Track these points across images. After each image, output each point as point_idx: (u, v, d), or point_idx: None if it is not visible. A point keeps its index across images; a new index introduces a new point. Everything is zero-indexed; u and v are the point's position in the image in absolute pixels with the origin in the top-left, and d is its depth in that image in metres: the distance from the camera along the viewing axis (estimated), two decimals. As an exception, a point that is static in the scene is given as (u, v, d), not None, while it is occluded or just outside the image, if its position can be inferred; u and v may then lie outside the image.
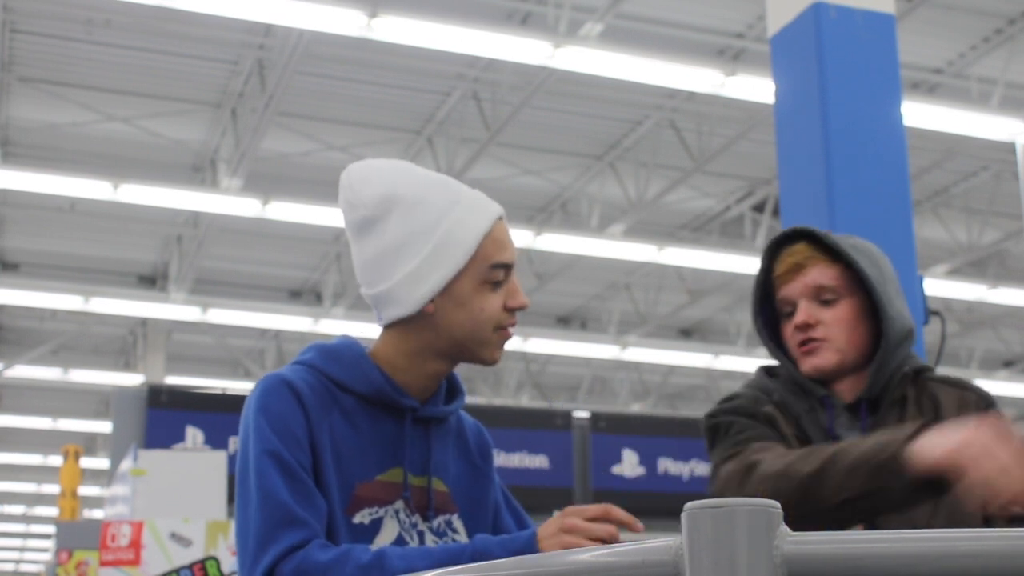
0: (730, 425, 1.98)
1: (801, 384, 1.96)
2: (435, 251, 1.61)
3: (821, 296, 1.93)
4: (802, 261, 1.93)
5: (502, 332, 1.66)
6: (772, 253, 1.98)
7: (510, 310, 1.65)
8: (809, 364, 1.93)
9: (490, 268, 1.62)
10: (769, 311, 2.02)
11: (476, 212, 1.63)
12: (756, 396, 2.00)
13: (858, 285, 1.93)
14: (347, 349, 1.67)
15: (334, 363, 1.66)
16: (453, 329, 1.63)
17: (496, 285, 1.64)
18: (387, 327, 1.68)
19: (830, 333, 1.92)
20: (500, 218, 1.66)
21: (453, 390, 1.76)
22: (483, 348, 1.65)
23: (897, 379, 1.95)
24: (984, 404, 1.96)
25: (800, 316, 1.92)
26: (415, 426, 1.67)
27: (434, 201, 1.63)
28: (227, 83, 9.27)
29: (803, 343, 1.93)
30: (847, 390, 1.96)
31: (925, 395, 1.96)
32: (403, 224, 1.63)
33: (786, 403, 1.96)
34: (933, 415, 1.94)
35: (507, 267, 1.65)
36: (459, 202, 1.64)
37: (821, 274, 1.92)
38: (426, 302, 1.62)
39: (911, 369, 1.97)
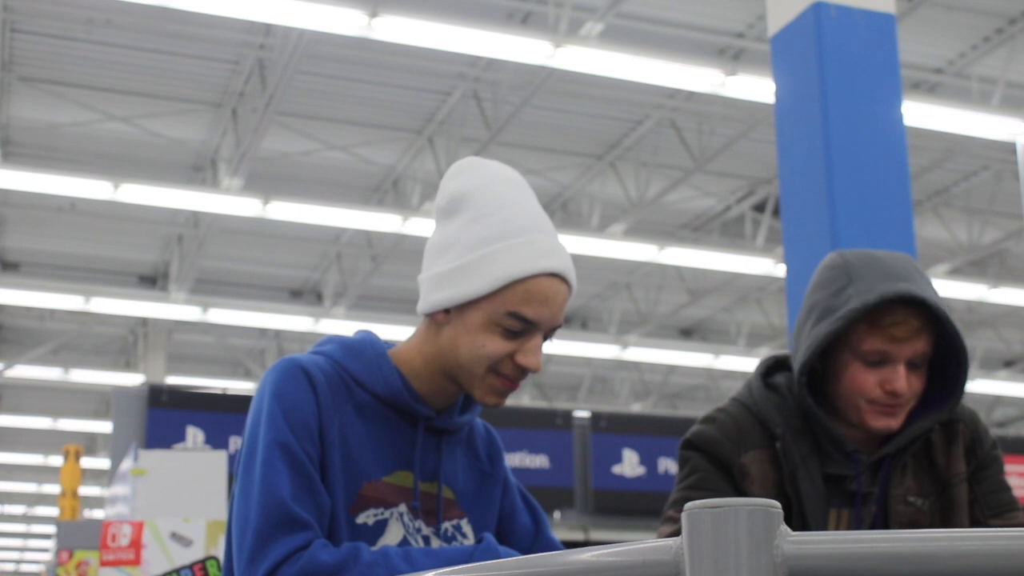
0: (694, 470, 1.90)
1: (827, 430, 1.88)
2: (464, 268, 1.58)
3: (917, 362, 1.86)
4: (921, 328, 1.84)
5: (498, 378, 1.59)
6: (873, 309, 1.83)
7: (516, 365, 1.58)
8: (883, 424, 1.86)
9: (506, 314, 1.56)
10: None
11: (522, 255, 1.56)
12: (744, 429, 1.90)
13: (955, 353, 1.87)
14: (369, 347, 1.65)
15: (354, 359, 1.63)
16: (454, 349, 1.60)
17: (510, 333, 1.57)
18: (422, 326, 1.67)
19: (911, 399, 1.87)
20: (551, 275, 1.57)
21: (469, 400, 1.73)
22: (473, 383, 1.60)
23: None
24: (970, 431, 1.95)
25: (900, 383, 1.83)
26: (427, 434, 1.65)
27: (494, 223, 1.58)
28: (227, 83, 9.27)
29: (887, 405, 1.86)
30: (864, 441, 1.92)
31: (919, 438, 1.94)
32: (461, 228, 1.60)
33: (788, 448, 1.88)
34: (927, 458, 1.94)
35: (527, 322, 1.56)
36: (515, 236, 1.57)
37: (929, 343, 1.85)
38: (438, 309, 1.60)
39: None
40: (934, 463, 1.93)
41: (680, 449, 1.94)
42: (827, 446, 1.89)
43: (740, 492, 1.87)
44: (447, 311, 1.60)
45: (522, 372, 1.59)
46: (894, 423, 1.86)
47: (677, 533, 1.87)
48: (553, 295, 1.57)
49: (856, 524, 1.89)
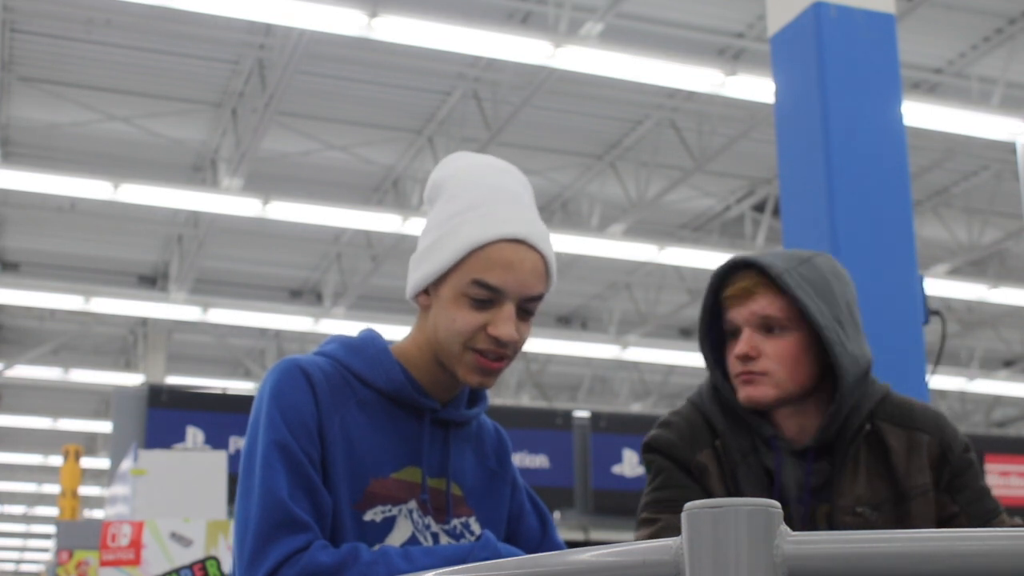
0: (659, 471, 1.92)
1: (745, 419, 1.90)
2: (432, 245, 1.61)
3: (766, 326, 1.86)
4: (751, 287, 1.86)
5: (475, 355, 1.57)
6: (721, 279, 1.91)
7: (490, 337, 1.57)
8: (744, 394, 1.87)
9: (471, 283, 1.56)
10: (716, 334, 1.96)
11: (481, 224, 1.57)
12: (696, 429, 1.92)
13: (807, 318, 1.85)
14: (370, 344, 1.65)
15: (356, 356, 1.63)
16: (435, 329, 1.61)
17: (479, 303, 1.56)
18: (416, 321, 1.68)
19: (770, 366, 1.85)
20: (514, 241, 1.57)
21: (476, 395, 1.73)
22: (453, 363, 1.59)
23: (854, 426, 1.87)
24: (937, 440, 1.89)
25: (741, 347, 1.86)
26: (434, 427, 1.65)
27: (461, 199, 1.61)
28: (227, 83, 9.27)
29: (742, 373, 1.87)
30: (793, 429, 1.89)
31: (876, 441, 1.89)
32: (436, 212, 1.64)
33: (728, 445, 1.89)
34: (884, 463, 1.88)
35: (490, 289, 1.56)
36: (478, 208, 1.59)
37: (769, 304, 1.85)
38: (416, 290, 1.63)
39: (868, 412, 1.89)
40: (892, 470, 1.87)
41: (642, 453, 1.98)
42: (756, 438, 1.90)
43: (704, 489, 1.88)
44: (427, 292, 1.62)
45: (499, 345, 1.57)
46: (753, 391, 1.86)
47: (657, 533, 1.87)
48: (518, 261, 1.56)
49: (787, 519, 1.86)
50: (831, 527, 1.84)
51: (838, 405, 1.84)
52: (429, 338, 1.62)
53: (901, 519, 1.86)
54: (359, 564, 1.47)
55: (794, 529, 1.80)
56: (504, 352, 1.58)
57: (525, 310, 1.59)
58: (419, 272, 1.62)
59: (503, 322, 1.56)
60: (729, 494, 1.85)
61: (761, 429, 1.88)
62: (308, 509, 1.51)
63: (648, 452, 1.96)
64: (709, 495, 1.86)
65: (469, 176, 1.64)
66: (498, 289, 1.56)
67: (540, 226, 1.61)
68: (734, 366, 1.89)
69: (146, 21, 8.20)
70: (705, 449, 1.90)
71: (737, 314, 1.88)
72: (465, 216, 1.58)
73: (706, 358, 1.95)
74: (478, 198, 1.60)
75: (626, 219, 10.83)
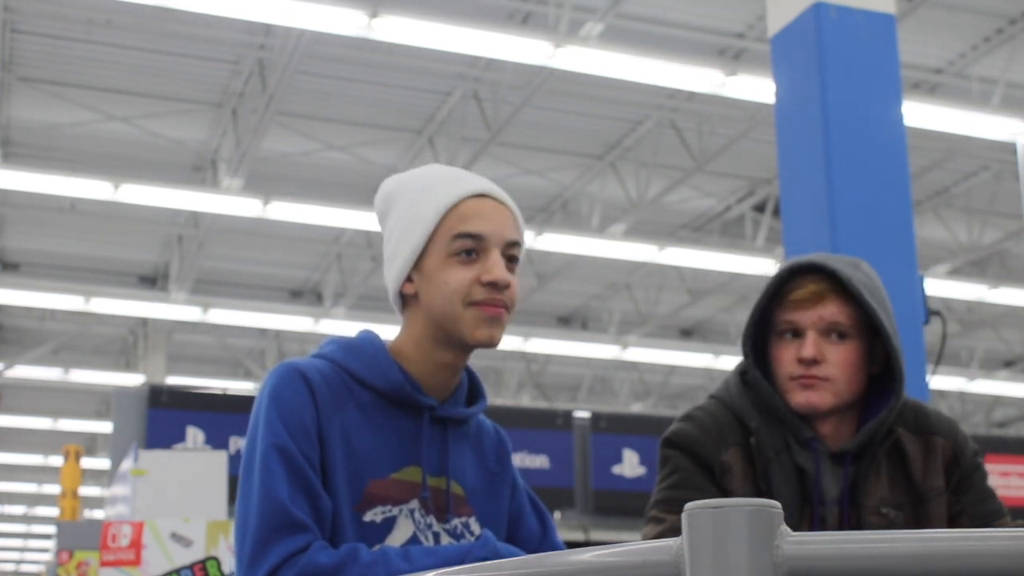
0: (675, 469, 1.89)
1: (783, 418, 1.89)
2: (403, 231, 1.64)
3: (832, 332, 1.86)
4: (822, 292, 1.85)
5: (476, 308, 1.60)
6: (783, 280, 1.89)
7: (485, 285, 1.60)
8: (803, 398, 1.86)
9: (453, 238, 1.60)
10: (756, 332, 1.95)
11: (443, 189, 1.63)
12: (723, 426, 1.90)
13: (866, 328, 1.87)
14: (368, 344, 1.66)
15: (354, 357, 1.64)
16: (430, 307, 1.63)
17: (466, 257, 1.60)
18: (403, 321, 1.70)
19: (833, 373, 1.85)
20: (479, 196, 1.63)
21: (475, 394, 1.74)
22: (458, 325, 1.60)
23: (883, 431, 1.90)
24: (951, 444, 1.93)
25: (808, 350, 1.84)
26: (433, 426, 1.66)
27: (412, 190, 1.66)
28: (227, 83, 9.27)
29: (802, 376, 1.86)
30: (829, 434, 1.90)
31: (894, 446, 1.92)
32: (393, 216, 1.68)
33: (762, 442, 1.88)
34: (902, 469, 1.91)
35: (473, 237, 1.60)
36: (434, 186, 1.65)
37: (839, 311, 1.85)
38: (400, 282, 1.65)
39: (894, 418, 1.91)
40: (910, 475, 1.90)
41: (660, 447, 1.94)
42: (790, 438, 1.89)
43: (722, 489, 1.87)
44: (410, 280, 1.65)
45: (495, 290, 1.60)
46: (815, 397, 1.85)
47: (663, 534, 1.86)
48: (490, 211, 1.63)
49: (814, 518, 1.86)
50: (858, 527, 1.86)
51: (889, 411, 1.87)
52: (425, 323, 1.64)
53: (919, 520, 1.89)
54: (358, 564, 1.48)
55: (831, 529, 1.83)
56: (501, 299, 1.61)
57: (508, 258, 1.64)
58: (397, 262, 1.65)
59: (493, 266, 1.60)
60: (758, 491, 1.85)
61: (800, 431, 1.88)
62: (308, 511, 1.52)
63: (668, 447, 1.92)
64: (727, 496, 1.84)
65: (411, 177, 1.70)
66: (480, 235, 1.60)
67: (493, 184, 1.68)
68: (791, 368, 1.87)
69: (146, 21, 8.20)
70: (732, 447, 1.88)
71: (804, 317, 1.86)
72: (423, 195, 1.64)
73: (746, 355, 1.93)
74: (429, 181, 1.66)
75: (626, 219, 10.83)
